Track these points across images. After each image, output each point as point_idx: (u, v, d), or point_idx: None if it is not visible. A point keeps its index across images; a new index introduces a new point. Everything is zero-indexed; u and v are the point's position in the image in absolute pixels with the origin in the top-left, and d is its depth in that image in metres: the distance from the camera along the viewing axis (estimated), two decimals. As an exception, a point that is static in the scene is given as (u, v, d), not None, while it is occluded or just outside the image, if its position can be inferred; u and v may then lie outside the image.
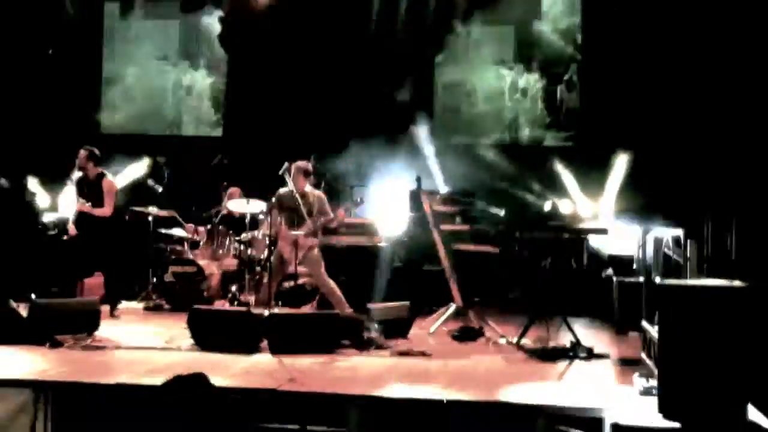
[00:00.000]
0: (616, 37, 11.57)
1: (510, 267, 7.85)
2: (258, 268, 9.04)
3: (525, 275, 7.26)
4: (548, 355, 6.20)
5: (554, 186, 11.52)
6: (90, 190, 8.28)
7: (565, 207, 11.23)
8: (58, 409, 4.79)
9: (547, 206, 11.20)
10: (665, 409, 3.77)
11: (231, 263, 9.12)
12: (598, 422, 4.02)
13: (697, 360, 3.63)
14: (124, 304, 8.69)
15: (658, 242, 7.04)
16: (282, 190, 8.00)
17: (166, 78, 13.43)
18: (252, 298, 8.78)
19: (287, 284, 8.54)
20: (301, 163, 7.86)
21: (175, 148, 12.19)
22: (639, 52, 11.26)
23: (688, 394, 3.66)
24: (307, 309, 8.36)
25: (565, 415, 4.27)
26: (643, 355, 5.88)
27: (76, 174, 8.35)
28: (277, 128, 12.21)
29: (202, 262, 8.88)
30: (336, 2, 12.46)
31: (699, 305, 3.65)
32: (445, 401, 4.59)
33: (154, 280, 9.27)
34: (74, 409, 4.82)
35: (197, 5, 12.27)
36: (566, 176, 11.63)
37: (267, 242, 8.98)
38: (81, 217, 8.26)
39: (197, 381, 2.80)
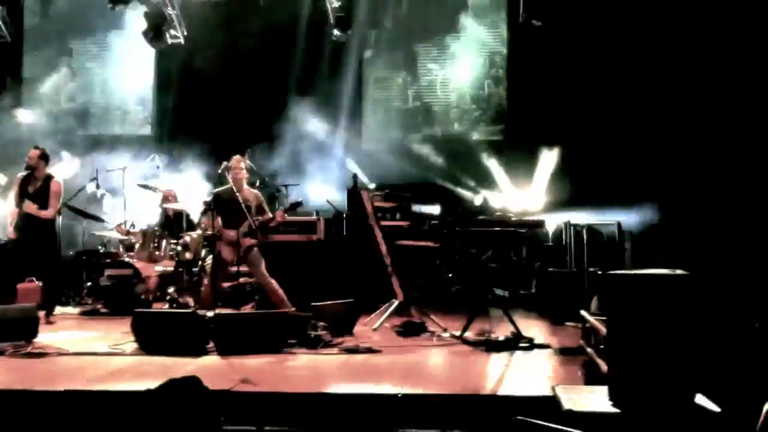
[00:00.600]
0: (541, 35, 11.88)
1: (450, 261, 8.00)
2: (195, 269, 8.99)
3: (465, 269, 7.41)
4: (492, 346, 6.35)
5: (484, 179, 11.82)
6: (37, 191, 8.07)
7: (496, 200, 11.52)
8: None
9: (478, 200, 11.45)
10: (615, 398, 3.94)
11: (167, 265, 9.01)
12: (552, 409, 4.17)
13: (645, 348, 3.81)
14: (58, 309, 8.51)
15: (592, 233, 7.32)
16: (219, 189, 7.96)
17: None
18: (190, 300, 8.73)
19: (227, 285, 8.49)
20: (241, 161, 7.82)
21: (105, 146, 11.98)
22: (564, 49, 11.60)
23: (637, 382, 3.83)
24: (247, 309, 8.34)
25: (519, 404, 4.42)
26: (583, 344, 6.10)
27: (21, 173, 8.10)
28: (206, 126, 12.12)
29: (138, 265, 8.75)
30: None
31: (646, 294, 3.82)
32: (399, 395, 4.68)
33: (89, 284, 9.08)
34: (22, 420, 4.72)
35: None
36: (496, 169, 11.91)
37: (203, 242, 8.97)
38: (24, 220, 8.01)
39: (192, 384, 2.80)
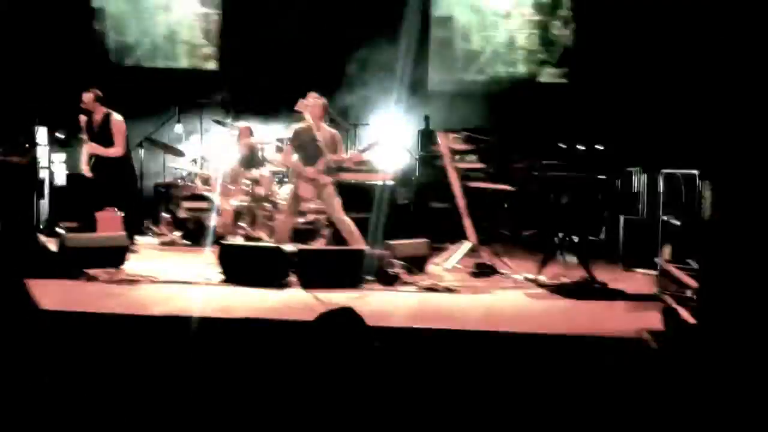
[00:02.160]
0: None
1: (526, 205, 8.08)
2: (268, 205, 9.21)
3: (542, 213, 7.50)
4: (567, 290, 6.47)
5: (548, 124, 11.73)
6: (99, 131, 8.30)
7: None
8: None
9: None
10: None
11: (242, 199, 9.24)
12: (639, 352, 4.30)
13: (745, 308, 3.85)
14: (138, 239, 8.81)
15: (670, 182, 7.34)
16: (297, 126, 8.06)
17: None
18: (263, 234, 8.98)
19: (299, 221, 8.70)
20: (319, 99, 7.91)
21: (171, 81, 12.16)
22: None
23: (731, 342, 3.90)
24: (316, 245, 8.54)
25: (606, 345, 4.56)
26: (658, 291, 6.18)
27: (83, 117, 8.34)
28: (274, 63, 12.20)
29: (214, 199, 8.98)
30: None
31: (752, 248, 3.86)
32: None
33: (166, 215, 9.38)
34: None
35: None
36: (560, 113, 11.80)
37: (277, 178, 9.19)
38: (96, 158, 8.28)
39: (349, 315, 2.92)
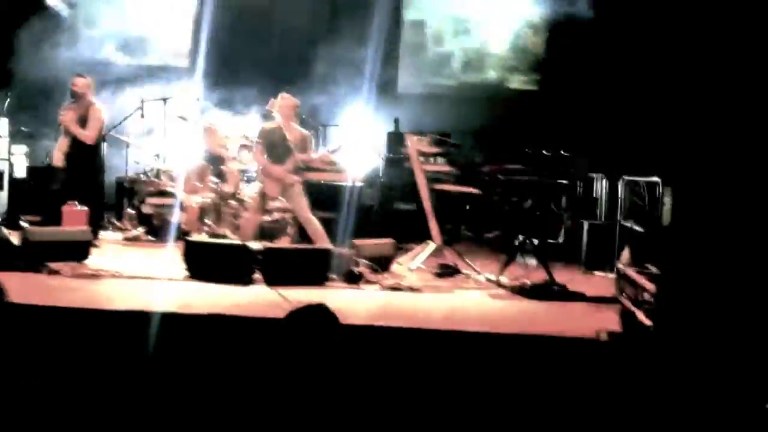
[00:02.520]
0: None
1: (491, 207, 8.17)
2: (234, 203, 9.21)
3: (503, 216, 7.60)
4: (528, 291, 6.58)
5: (517, 129, 11.84)
6: (79, 117, 8.25)
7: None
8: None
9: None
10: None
11: (207, 197, 9.23)
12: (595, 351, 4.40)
13: (705, 315, 3.95)
14: (101, 234, 8.75)
15: (630, 188, 7.49)
16: (267, 125, 8.10)
17: None
18: (228, 231, 8.98)
19: (264, 219, 8.71)
20: (291, 99, 7.95)
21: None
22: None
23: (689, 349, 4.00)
24: (281, 243, 8.56)
25: (563, 345, 4.66)
26: (617, 294, 6.31)
27: (66, 102, 8.28)
28: (243, 60, 12.21)
29: (180, 195, 8.96)
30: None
31: (713, 253, 3.97)
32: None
33: (130, 210, 9.33)
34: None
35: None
36: (528, 119, 11.94)
37: (247, 178, 9.20)
38: (69, 146, 8.22)
39: (323, 312, 2.90)
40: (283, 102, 7.85)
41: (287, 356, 2.71)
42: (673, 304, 4.10)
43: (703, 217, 4.85)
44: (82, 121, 8.24)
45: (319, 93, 11.66)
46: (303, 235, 8.47)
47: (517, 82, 12.69)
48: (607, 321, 5.49)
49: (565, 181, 7.02)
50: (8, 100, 8.62)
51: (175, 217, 8.86)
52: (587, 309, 6.13)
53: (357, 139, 10.31)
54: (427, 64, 13.01)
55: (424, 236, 8.19)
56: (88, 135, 8.21)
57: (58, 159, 8.37)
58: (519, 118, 11.78)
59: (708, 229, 4.39)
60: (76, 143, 8.25)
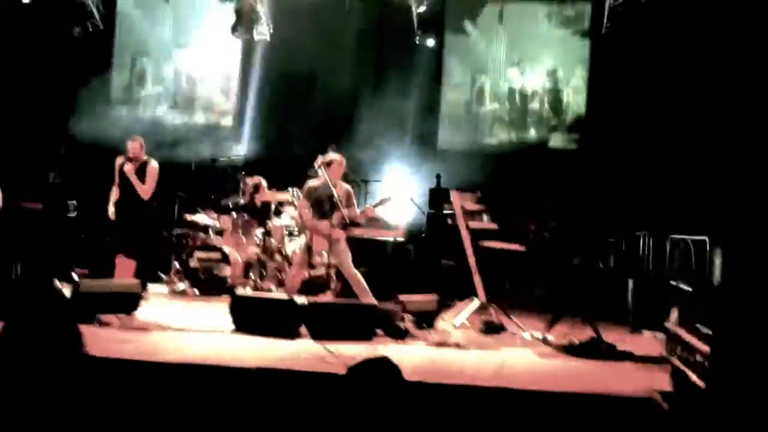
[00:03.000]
0: (625, 48, 11.94)
1: (537, 265, 8.15)
2: (279, 257, 9.32)
3: (552, 273, 7.56)
4: (575, 350, 6.50)
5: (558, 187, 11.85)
6: (135, 173, 8.50)
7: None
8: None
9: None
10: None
11: (253, 251, 9.34)
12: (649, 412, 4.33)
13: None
14: (149, 287, 8.87)
15: (676, 247, 7.40)
16: (312, 182, 8.22)
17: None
18: (272, 285, 9.07)
19: (307, 273, 8.77)
20: (338, 156, 8.10)
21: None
22: (648, 60, 11.61)
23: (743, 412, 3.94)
24: (324, 298, 8.60)
25: (616, 404, 4.59)
26: (667, 354, 6.21)
27: (121, 160, 8.53)
28: (288, 119, 12.46)
29: (226, 249, 9.08)
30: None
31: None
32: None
33: (177, 264, 9.47)
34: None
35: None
36: (570, 177, 11.95)
37: (288, 232, 9.32)
38: (123, 201, 8.44)
39: (386, 367, 2.80)
40: (331, 158, 7.99)
41: (349, 412, 2.65)
42: (728, 366, 4.05)
43: (755, 278, 4.82)
44: (140, 177, 8.48)
45: (361, 149, 11.84)
46: (347, 289, 8.52)
47: (558, 141, 12.73)
48: (659, 381, 5.42)
49: (612, 239, 6.98)
50: (62, 153, 8.88)
51: (221, 272, 8.98)
52: (637, 368, 6.04)
53: (399, 195, 10.38)
54: (467, 122, 13.14)
55: (467, 292, 8.19)
56: (146, 189, 8.47)
57: (111, 212, 8.58)
58: (561, 177, 11.81)
59: (760, 290, 4.35)
60: (130, 197, 8.47)
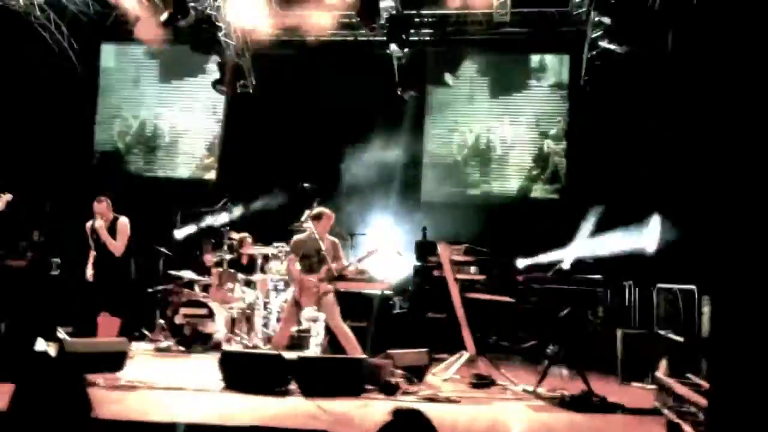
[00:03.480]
0: (602, 97, 12.16)
1: (525, 316, 8.15)
2: (264, 312, 9.27)
3: (540, 324, 7.57)
4: (567, 403, 6.47)
5: (541, 238, 11.90)
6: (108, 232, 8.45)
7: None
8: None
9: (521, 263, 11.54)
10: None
11: (239, 307, 9.28)
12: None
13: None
14: (133, 345, 8.75)
15: (663, 296, 7.47)
16: (299, 236, 8.23)
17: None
18: (259, 341, 9.00)
19: (294, 328, 8.72)
20: (326, 210, 8.11)
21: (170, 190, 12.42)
22: (627, 109, 11.80)
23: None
24: (312, 353, 8.54)
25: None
26: (659, 405, 6.20)
27: (91, 222, 8.50)
28: (271, 172, 12.48)
29: (212, 305, 9.02)
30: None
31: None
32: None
33: (161, 321, 9.38)
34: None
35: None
36: (552, 229, 12.00)
37: (275, 287, 9.28)
38: (98, 261, 8.39)
39: (420, 420, 2.69)
40: (320, 212, 8.01)
41: None
42: (726, 418, 4.04)
43: (746, 328, 4.84)
44: (111, 235, 8.45)
45: (346, 202, 11.88)
46: (334, 344, 8.47)
47: (540, 192, 12.84)
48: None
49: (600, 289, 7.01)
50: (47, 209, 8.85)
51: (207, 328, 8.90)
52: (630, 421, 6.03)
53: (386, 248, 10.37)
54: (450, 174, 13.24)
55: (455, 345, 8.17)
56: (117, 246, 8.40)
57: (89, 274, 8.54)
58: (543, 227, 11.88)
59: (753, 340, 4.36)
60: (106, 256, 8.42)
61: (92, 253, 8.60)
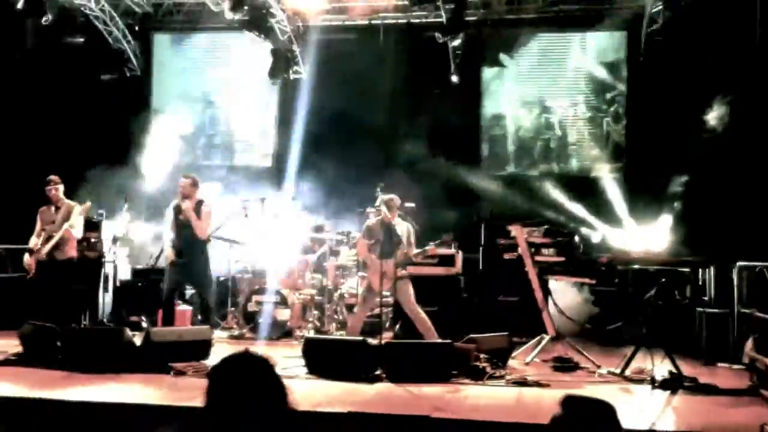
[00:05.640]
0: (660, 74, 11.93)
1: (612, 299, 8.02)
2: (335, 298, 9.25)
3: (625, 306, 7.43)
4: (658, 384, 6.35)
5: (603, 217, 11.73)
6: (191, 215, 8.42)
7: (615, 239, 11.46)
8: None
9: (596, 237, 11.42)
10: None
11: (309, 293, 9.27)
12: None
13: None
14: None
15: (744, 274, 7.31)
16: (371, 221, 8.18)
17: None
18: (331, 327, 8.99)
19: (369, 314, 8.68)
20: (394, 196, 8.04)
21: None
22: (683, 87, 11.57)
23: None
24: (387, 338, 8.50)
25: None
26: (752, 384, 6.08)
27: (175, 201, 8.46)
28: (329, 158, 12.42)
29: (284, 292, 9.01)
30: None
31: None
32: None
33: (232, 308, 9.41)
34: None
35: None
36: (615, 207, 11.83)
37: (344, 272, 9.26)
38: (182, 243, 8.37)
39: (603, 408, 2.54)
40: (389, 198, 7.94)
41: None
42: None
43: None
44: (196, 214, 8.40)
45: (406, 188, 11.74)
46: (406, 329, 8.43)
47: (601, 171, 12.62)
48: (761, 414, 5.28)
49: (687, 269, 6.85)
50: (126, 205, 8.86)
51: (280, 315, 8.90)
52: (730, 402, 5.89)
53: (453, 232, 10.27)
54: (509, 154, 13.10)
55: (530, 328, 8.10)
56: (202, 227, 8.33)
57: (170, 254, 8.45)
58: (607, 206, 11.71)
59: None
60: (188, 240, 8.34)
61: (174, 237, 8.44)
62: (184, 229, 8.35)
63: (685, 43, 11.64)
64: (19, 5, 10.79)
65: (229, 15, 11.32)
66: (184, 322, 8.74)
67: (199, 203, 8.43)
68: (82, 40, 12.29)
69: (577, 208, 11.79)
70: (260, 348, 8.23)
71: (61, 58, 12.67)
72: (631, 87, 12.72)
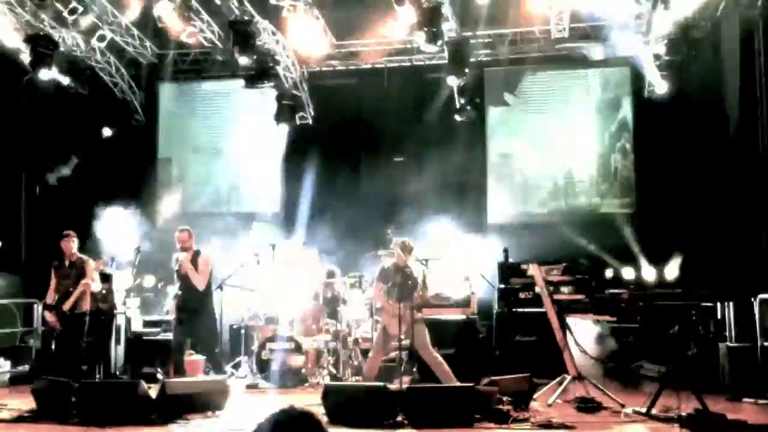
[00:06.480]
0: (666, 106, 11.96)
1: (635, 336, 7.90)
2: (350, 344, 9.13)
3: (649, 343, 7.31)
4: (687, 423, 6.20)
5: (613, 253, 11.63)
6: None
7: (626, 273, 11.37)
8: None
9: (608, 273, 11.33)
10: None
11: (323, 339, 9.15)
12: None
13: None
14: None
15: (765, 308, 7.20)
16: (386, 264, 8.12)
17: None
18: (347, 372, 8.86)
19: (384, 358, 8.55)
20: (406, 240, 7.99)
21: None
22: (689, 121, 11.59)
23: None
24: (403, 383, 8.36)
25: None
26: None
27: (176, 254, 8.40)
28: (337, 202, 12.38)
29: (299, 339, 8.89)
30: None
31: None
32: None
33: (245, 357, 9.28)
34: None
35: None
36: (626, 243, 11.75)
37: (359, 318, 9.16)
38: (182, 296, 8.29)
39: None
40: (401, 242, 7.89)
41: None
42: None
43: None
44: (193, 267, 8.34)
45: (415, 229, 11.69)
46: (423, 372, 8.31)
47: (610, 207, 12.59)
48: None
49: (710, 304, 6.75)
50: (138, 254, 8.80)
51: (294, 361, 8.77)
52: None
53: (462, 272, 10.18)
54: (515, 194, 13.06)
55: (548, 368, 7.96)
56: (199, 280, 8.24)
57: (172, 308, 8.42)
58: (617, 242, 11.63)
59: None
60: (189, 292, 8.27)
61: (177, 291, 8.42)
62: (184, 282, 8.29)
63: (689, 76, 11.71)
64: (27, 58, 10.85)
65: (241, 60, 11.37)
66: (195, 372, 8.59)
67: (196, 254, 8.35)
68: (86, 92, 12.31)
69: (588, 245, 11.71)
70: (276, 397, 8.10)
71: (68, 109, 12.71)
72: (638, 121, 12.74)
